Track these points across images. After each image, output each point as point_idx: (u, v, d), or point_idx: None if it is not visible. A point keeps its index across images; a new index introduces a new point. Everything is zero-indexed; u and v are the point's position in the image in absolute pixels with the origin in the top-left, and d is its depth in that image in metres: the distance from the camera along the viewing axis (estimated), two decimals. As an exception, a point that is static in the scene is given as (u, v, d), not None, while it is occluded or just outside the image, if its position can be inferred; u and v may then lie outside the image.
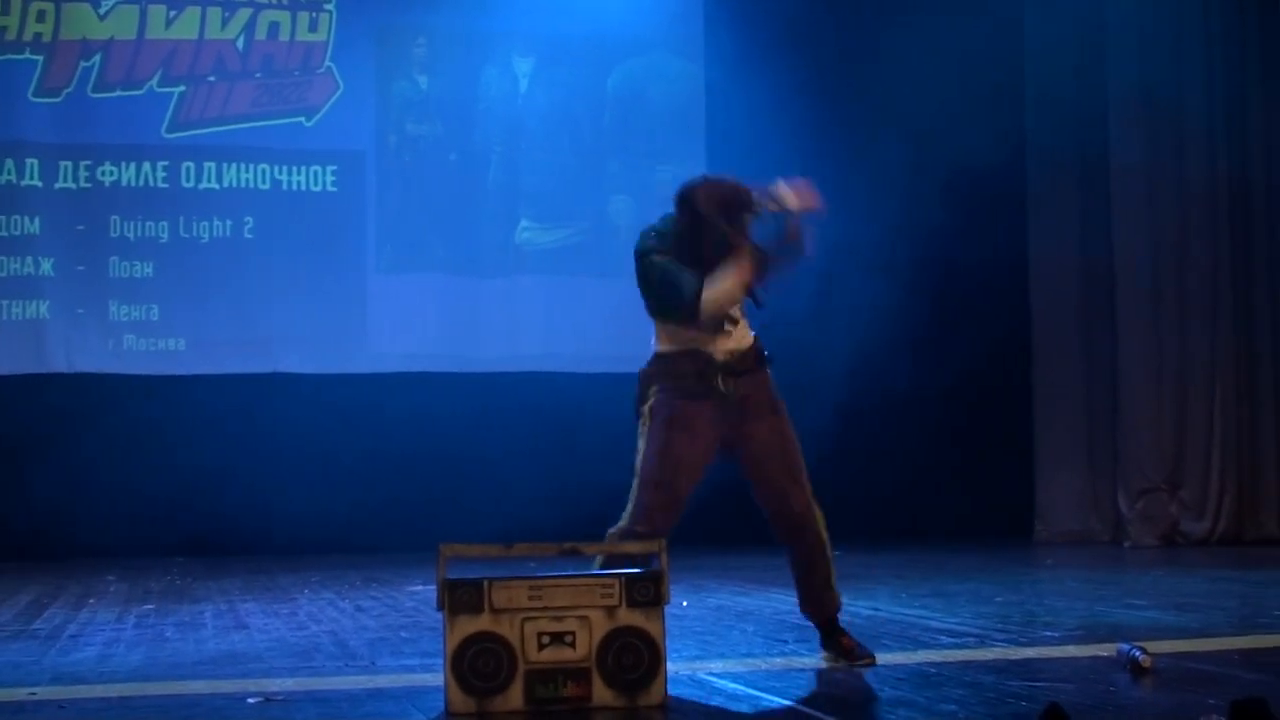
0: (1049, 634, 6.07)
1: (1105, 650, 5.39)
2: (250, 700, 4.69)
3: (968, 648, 5.71)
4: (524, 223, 12.76)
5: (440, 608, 4.40)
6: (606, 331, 12.63)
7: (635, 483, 5.26)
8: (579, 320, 12.66)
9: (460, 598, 4.39)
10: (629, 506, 5.24)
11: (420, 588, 8.51)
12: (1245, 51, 11.96)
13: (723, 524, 12.17)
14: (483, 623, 4.38)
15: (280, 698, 4.73)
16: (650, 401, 5.27)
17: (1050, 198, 12.76)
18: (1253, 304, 11.91)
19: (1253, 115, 11.91)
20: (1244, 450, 11.86)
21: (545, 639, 4.41)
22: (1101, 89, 12.25)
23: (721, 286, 5.21)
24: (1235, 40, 12.00)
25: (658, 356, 5.33)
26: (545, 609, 4.42)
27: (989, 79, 12.70)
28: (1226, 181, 11.99)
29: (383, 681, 5.05)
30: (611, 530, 5.21)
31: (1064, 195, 12.70)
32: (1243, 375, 11.90)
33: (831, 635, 5.42)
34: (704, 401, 5.25)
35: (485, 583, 4.41)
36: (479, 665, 4.36)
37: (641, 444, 5.27)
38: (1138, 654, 4.99)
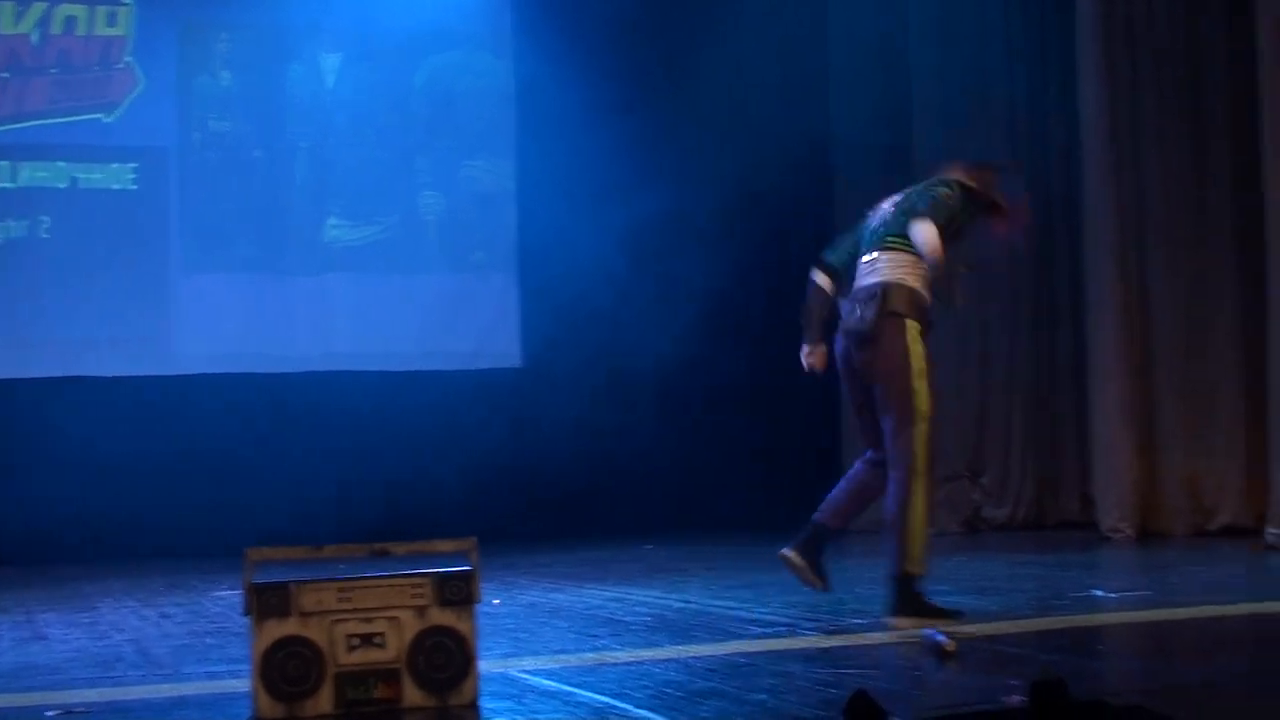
0: (857, 621, 6.15)
1: (911, 636, 5.48)
2: (48, 714, 4.57)
3: (778, 637, 5.77)
4: (332, 220, 12.63)
5: (247, 613, 4.33)
6: (417, 329, 12.57)
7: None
8: (389, 318, 12.57)
9: (267, 602, 4.33)
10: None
11: (227, 593, 8.37)
12: (1045, 40, 12.19)
13: (535, 521, 12.20)
14: (291, 626, 4.32)
15: (81, 710, 4.62)
16: None
17: (856, 191, 12.92)
18: (1053, 291, 12.16)
19: (1052, 105, 12.15)
20: (1043, 436, 12.13)
21: (355, 641, 4.36)
22: (905, 80, 12.44)
23: None
24: (1035, 28, 12.23)
25: None
26: (355, 611, 4.38)
27: (796, 72, 12.88)
28: (1028, 172, 12.22)
29: (188, 690, 4.95)
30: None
31: (869, 188, 12.84)
32: (1042, 363, 12.16)
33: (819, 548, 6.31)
34: None
35: (293, 586, 4.36)
36: (288, 670, 4.31)
37: None
38: (942, 638, 5.09)
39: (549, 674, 5.02)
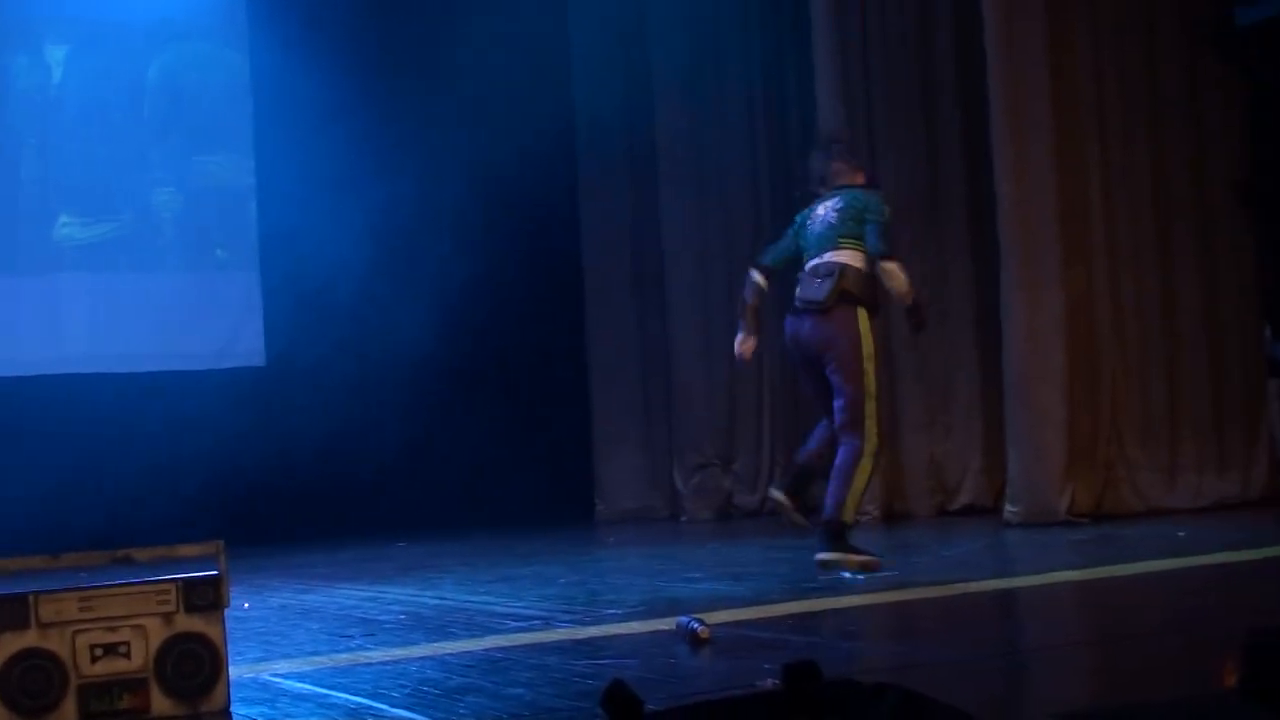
0: (612, 612, 6.18)
1: (666, 624, 5.52)
2: None
3: (534, 630, 5.76)
4: (63, 218, 12.23)
5: (-18, 626, 4.17)
6: (157, 329, 12.26)
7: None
8: (127, 318, 12.21)
9: (4, 613, 4.17)
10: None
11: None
12: (781, 23, 12.35)
13: (285, 522, 11.99)
14: (30, 638, 4.17)
15: None
16: None
17: (601, 179, 13.01)
18: (797, 280, 12.33)
19: (790, 89, 12.32)
20: (793, 423, 12.33)
21: (99, 651, 4.23)
22: (646, 66, 12.53)
23: None
24: (771, 11, 12.40)
25: None
26: (97, 620, 4.24)
27: (539, 59, 12.88)
28: (768, 158, 12.41)
29: (-78, 708, 4.75)
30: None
31: (614, 175, 12.95)
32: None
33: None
34: None
35: (31, 596, 4.20)
36: (27, 683, 4.15)
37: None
38: (696, 626, 5.14)
39: (302, 676, 4.93)
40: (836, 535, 6.89)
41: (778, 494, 7.13)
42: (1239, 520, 9.08)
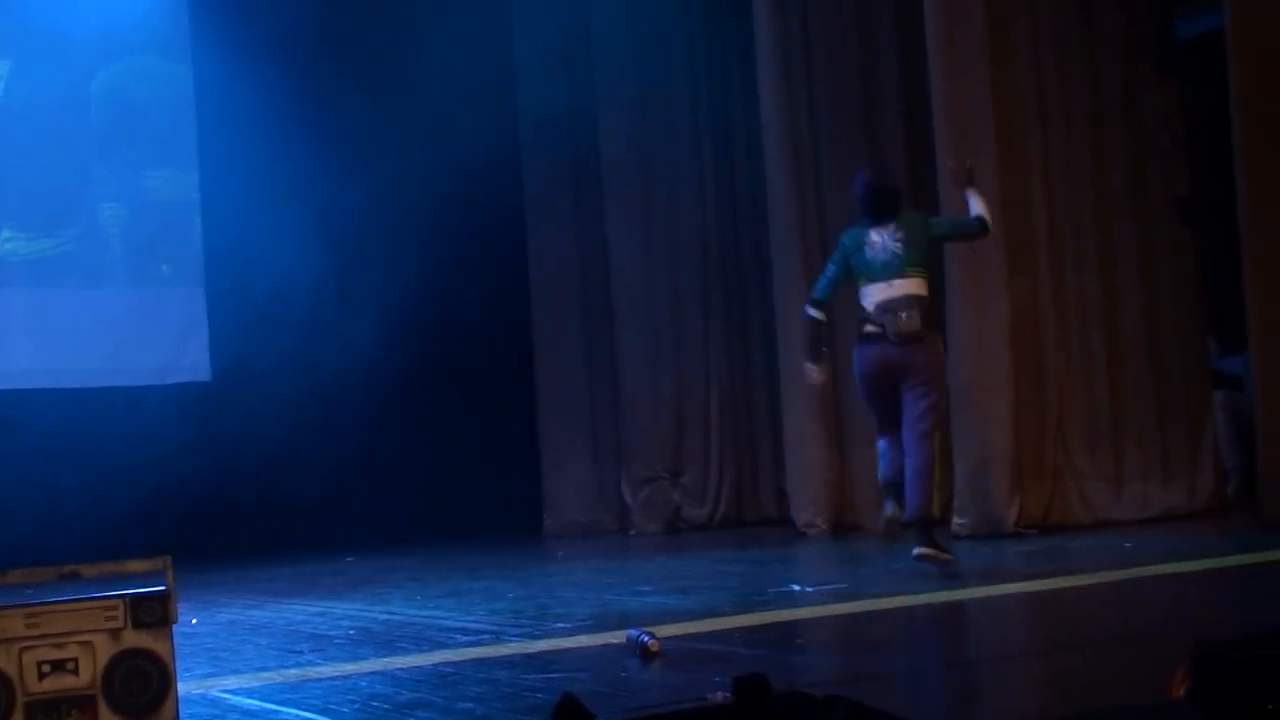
0: (561, 626, 6.18)
1: (616, 638, 5.52)
2: None
3: (484, 645, 5.75)
4: (5, 232, 12.13)
5: (-73, 644, 4.12)
6: (101, 344, 12.17)
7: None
8: (70, 333, 12.11)
9: (-51, 632, 4.13)
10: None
11: (-95, 624, 7.95)
12: (724, 32, 12.41)
13: (232, 537, 11.93)
14: (-25, 656, 4.13)
15: None
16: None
17: (546, 195, 13.01)
18: (744, 291, 12.38)
19: (734, 99, 12.38)
20: (741, 436, 12.37)
21: (46, 668, 4.19)
22: (589, 80, 12.55)
23: None
24: (714, 22, 12.46)
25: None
26: (44, 636, 4.20)
27: (483, 69, 12.87)
28: (713, 167, 12.45)
29: None
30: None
31: (560, 191, 12.96)
32: (736, 363, 12.38)
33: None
34: None
35: (-24, 614, 4.16)
36: (-27, 701, 4.11)
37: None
38: (646, 639, 5.14)
39: (251, 692, 4.91)
40: (928, 530, 7.42)
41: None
42: (1185, 531, 9.15)
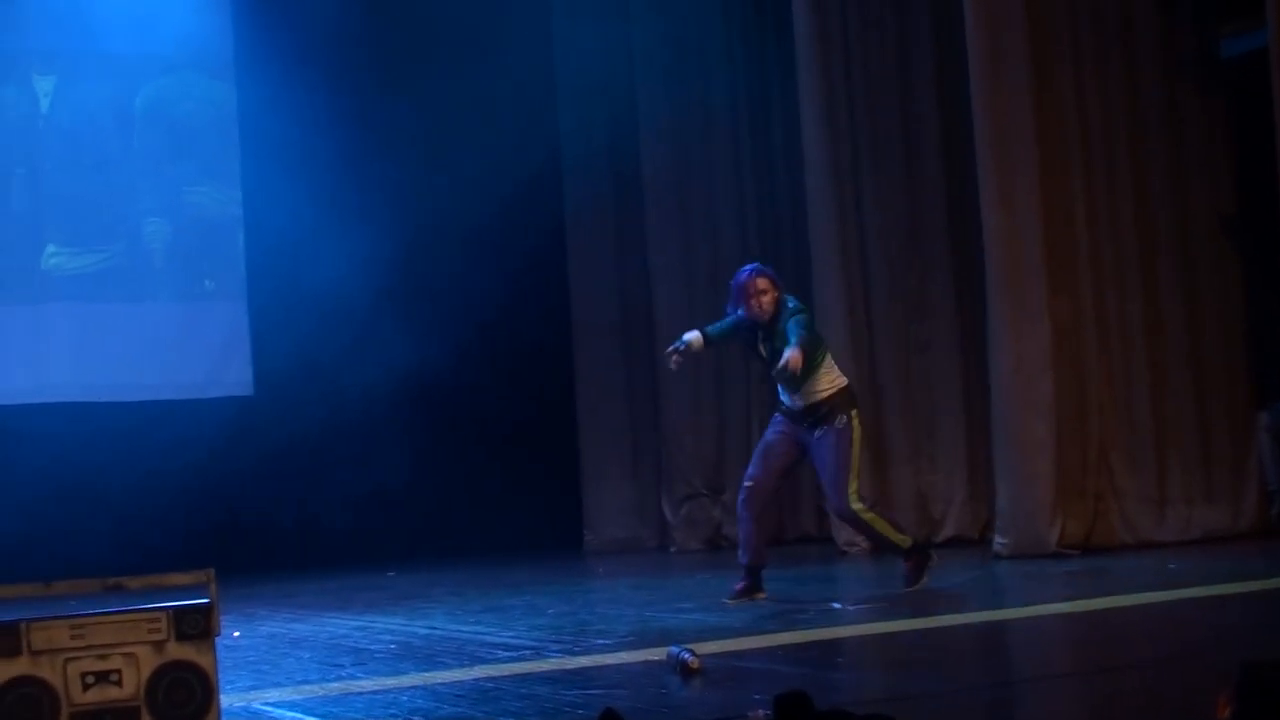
0: (602, 642, 6.18)
1: (656, 654, 5.52)
2: None
3: (524, 660, 5.76)
4: (51, 247, 12.20)
5: (-27, 655, 4.15)
6: (145, 359, 12.23)
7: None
8: (113, 348, 12.18)
9: (-5, 642, 4.15)
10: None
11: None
12: (765, 55, 12.42)
13: (274, 551, 11.97)
14: (21, 666, 4.16)
15: None
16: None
17: (588, 211, 13.03)
18: (786, 313, 12.35)
19: (775, 120, 12.39)
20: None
21: (90, 679, 4.21)
22: (631, 104, 12.58)
23: None
24: (755, 46, 12.47)
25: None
26: (89, 648, 4.23)
27: (524, 88, 12.90)
28: (754, 188, 12.46)
29: (-90, 737, 4.72)
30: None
31: (601, 208, 12.98)
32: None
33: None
34: None
35: (22, 624, 4.19)
36: (19, 711, 4.14)
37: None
38: (687, 656, 5.13)
39: (293, 706, 4.92)
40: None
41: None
42: (1229, 552, 9.09)
